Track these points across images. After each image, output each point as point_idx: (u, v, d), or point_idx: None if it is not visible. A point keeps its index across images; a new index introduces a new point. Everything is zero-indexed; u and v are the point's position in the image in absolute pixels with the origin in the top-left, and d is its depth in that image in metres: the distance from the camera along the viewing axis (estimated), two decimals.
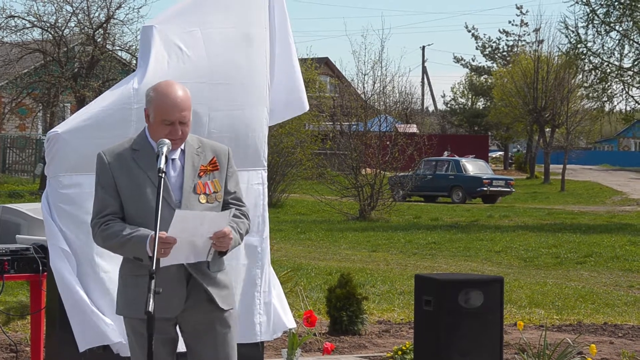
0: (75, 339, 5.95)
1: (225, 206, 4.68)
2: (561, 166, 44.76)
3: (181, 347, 4.74)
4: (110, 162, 4.60)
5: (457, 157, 39.34)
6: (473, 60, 70.68)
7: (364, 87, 30.54)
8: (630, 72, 29.75)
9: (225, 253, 4.59)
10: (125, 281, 4.66)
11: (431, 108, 73.45)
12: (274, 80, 6.63)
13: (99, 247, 4.77)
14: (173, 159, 4.61)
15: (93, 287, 5.99)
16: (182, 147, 4.64)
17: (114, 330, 5.92)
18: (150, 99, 4.62)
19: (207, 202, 4.61)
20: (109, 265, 5.84)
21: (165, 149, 4.49)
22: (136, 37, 29.58)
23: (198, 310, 4.62)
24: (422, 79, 72.38)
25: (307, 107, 6.97)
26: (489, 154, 60.95)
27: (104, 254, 5.73)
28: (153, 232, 4.35)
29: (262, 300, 6.49)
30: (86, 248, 5.90)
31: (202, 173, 4.63)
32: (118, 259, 4.73)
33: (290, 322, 6.70)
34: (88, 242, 5.81)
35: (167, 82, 4.68)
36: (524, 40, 62.82)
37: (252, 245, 6.45)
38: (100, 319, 5.93)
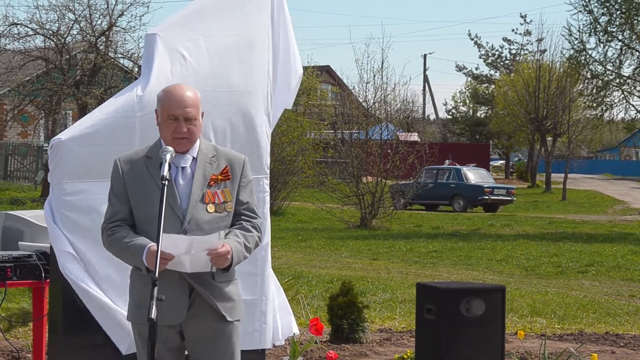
0: (112, 342, 5.86)
1: (237, 217, 4.66)
2: (562, 175, 44.76)
3: None
4: (123, 169, 4.62)
5: (458, 166, 39.35)
6: (476, 69, 70.71)
7: (365, 95, 30.58)
8: (630, 81, 29.76)
9: (227, 269, 4.57)
10: (133, 287, 4.67)
11: (432, 116, 73.57)
12: (277, 86, 6.64)
13: (104, 256, 4.75)
14: (183, 167, 4.60)
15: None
16: (195, 155, 4.63)
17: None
18: (158, 98, 4.68)
19: (216, 211, 4.58)
20: (115, 273, 5.82)
21: (168, 157, 4.47)
22: (138, 44, 29.63)
23: (201, 320, 4.60)
24: (424, 87, 72.46)
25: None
26: (490, 163, 60.95)
27: (109, 264, 5.72)
28: (150, 244, 4.40)
29: (263, 307, 6.48)
30: (90, 255, 5.89)
31: (212, 182, 4.60)
32: (123, 268, 4.71)
33: (294, 328, 6.69)
34: (92, 249, 5.82)
35: (177, 84, 4.80)
36: (527, 49, 62.84)
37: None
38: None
